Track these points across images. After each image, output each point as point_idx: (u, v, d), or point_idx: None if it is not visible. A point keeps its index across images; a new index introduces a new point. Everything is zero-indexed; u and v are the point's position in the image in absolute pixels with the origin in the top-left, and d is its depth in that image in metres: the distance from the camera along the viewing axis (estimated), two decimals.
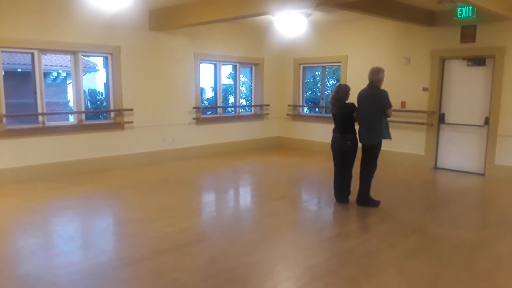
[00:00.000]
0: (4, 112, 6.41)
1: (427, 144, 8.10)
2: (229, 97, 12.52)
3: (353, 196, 5.62)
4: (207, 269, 3.68)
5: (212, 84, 10.12)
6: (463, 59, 7.62)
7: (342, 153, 5.50)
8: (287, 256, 4.11)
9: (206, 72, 9.59)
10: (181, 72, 8.50)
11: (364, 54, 8.77)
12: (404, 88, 8.15)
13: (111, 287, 3.38)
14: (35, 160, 6.74)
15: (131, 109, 7.77)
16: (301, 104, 10.34)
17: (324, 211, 5.68)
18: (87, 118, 7.61)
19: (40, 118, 6.86)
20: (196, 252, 4.07)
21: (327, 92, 10.31)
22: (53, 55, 12.32)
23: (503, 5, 6.10)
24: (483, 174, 7.47)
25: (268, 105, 10.32)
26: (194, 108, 8.78)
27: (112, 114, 7.73)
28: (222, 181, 7.25)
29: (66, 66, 13.22)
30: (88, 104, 13.04)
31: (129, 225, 4.86)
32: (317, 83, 13.00)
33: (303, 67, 10.21)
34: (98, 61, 13.58)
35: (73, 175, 6.99)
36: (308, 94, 12.12)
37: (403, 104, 8.21)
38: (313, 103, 12.25)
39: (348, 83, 6.07)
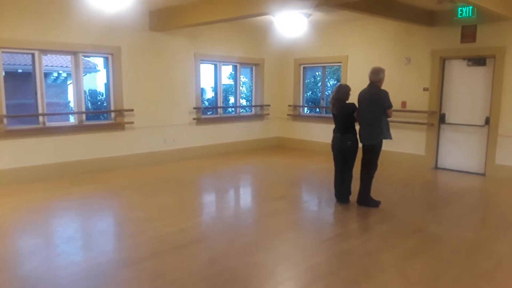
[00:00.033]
0: (4, 112, 6.42)
1: (427, 144, 8.10)
2: (230, 97, 12.54)
3: (353, 196, 5.61)
4: (207, 269, 3.68)
5: (213, 85, 10.13)
6: (464, 59, 7.62)
7: (342, 153, 5.49)
8: (288, 257, 4.11)
9: (206, 73, 9.59)
10: (181, 72, 8.51)
11: (365, 54, 8.78)
12: (404, 88, 8.14)
13: None
14: (36, 161, 6.74)
15: (132, 110, 7.78)
16: (301, 104, 10.34)
17: (325, 211, 5.68)
18: (87, 118, 7.62)
19: (40, 118, 6.87)
20: (196, 252, 4.07)
21: (328, 92, 10.31)
22: (53, 55, 12.35)
23: (503, 5, 6.09)
24: (483, 174, 7.47)
25: (269, 105, 10.33)
26: (194, 108, 8.78)
27: (113, 114, 7.74)
28: (222, 181, 7.25)
29: (66, 66, 13.25)
30: (89, 104, 13.07)
31: (130, 226, 4.87)
32: (318, 83, 13.01)
33: (304, 67, 10.21)
34: (99, 61, 13.59)
35: (74, 176, 7.00)
36: (308, 94, 12.13)
37: (403, 104, 8.21)
38: (313, 103, 12.26)
39: (348, 83, 6.06)
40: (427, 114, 7.97)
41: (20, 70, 12.40)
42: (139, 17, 7.66)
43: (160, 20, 7.70)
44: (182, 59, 8.48)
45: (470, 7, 6.63)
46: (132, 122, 7.79)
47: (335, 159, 5.62)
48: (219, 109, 9.62)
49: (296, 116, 10.29)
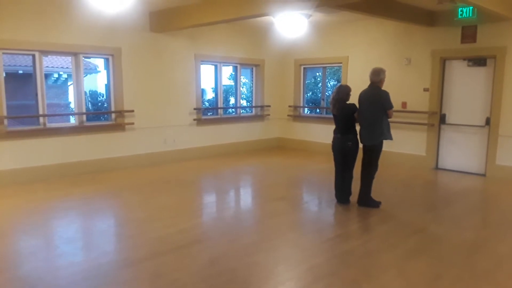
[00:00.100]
0: (5, 113, 6.43)
1: (428, 144, 8.10)
2: (230, 98, 12.54)
3: (354, 196, 5.61)
4: (208, 270, 3.68)
5: (213, 85, 10.13)
6: (464, 59, 7.61)
7: (343, 153, 5.49)
8: (288, 257, 4.12)
9: (206, 73, 9.60)
10: (181, 73, 8.51)
11: (365, 54, 8.78)
12: (404, 89, 8.14)
13: None
14: (36, 162, 6.75)
15: (132, 111, 7.78)
16: (301, 105, 10.34)
17: (325, 212, 5.68)
18: (88, 119, 7.63)
19: (41, 119, 6.88)
20: (196, 252, 4.07)
21: (328, 93, 10.32)
22: (54, 56, 12.37)
23: (504, 5, 6.09)
24: (484, 175, 7.46)
25: (269, 106, 10.33)
26: (195, 109, 8.79)
27: (113, 115, 7.74)
28: (222, 182, 7.25)
29: (67, 67, 13.25)
30: (89, 105, 13.07)
31: (130, 226, 4.87)
32: (318, 84, 13.02)
33: (304, 68, 10.21)
34: (99, 62, 13.60)
35: (74, 177, 7.00)
36: (308, 95, 12.13)
37: (404, 104, 8.21)
38: (314, 104, 12.27)
39: (348, 84, 6.08)
40: (428, 115, 7.97)
41: (20, 71, 12.41)
42: (140, 18, 7.67)
43: (161, 21, 7.70)
44: (182, 60, 8.48)
45: (471, 8, 6.63)
46: (133, 123, 7.80)
47: (335, 159, 5.62)
48: (219, 110, 9.62)
49: (297, 117, 10.29)
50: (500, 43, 7.08)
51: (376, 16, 7.09)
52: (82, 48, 7.15)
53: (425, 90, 7.98)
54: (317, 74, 12.76)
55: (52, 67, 13.37)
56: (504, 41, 7.04)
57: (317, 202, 6.16)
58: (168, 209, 5.43)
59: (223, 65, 9.54)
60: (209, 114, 9.77)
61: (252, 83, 10.47)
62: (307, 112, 10.63)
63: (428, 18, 7.60)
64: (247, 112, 10.57)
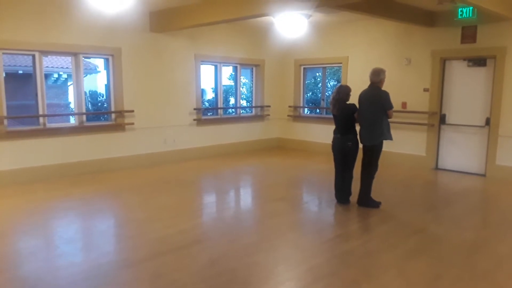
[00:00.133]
0: (5, 113, 6.43)
1: (428, 144, 8.10)
2: (230, 98, 12.54)
3: (354, 197, 5.61)
4: (208, 270, 3.68)
5: (213, 85, 10.13)
6: (464, 59, 7.61)
7: (342, 154, 5.49)
8: (288, 257, 4.12)
9: (206, 73, 9.60)
10: (181, 73, 8.51)
11: (365, 55, 8.78)
12: (404, 89, 8.14)
13: None
14: (36, 162, 6.75)
15: (132, 111, 7.78)
16: (301, 105, 10.34)
17: (325, 212, 5.68)
18: (88, 119, 7.63)
19: (41, 119, 6.87)
20: (196, 253, 4.07)
21: (328, 93, 10.31)
22: (54, 56, 12.36)
23: (504, 5, 6.09)
24: (484, 175, 7.46)
25: (269, 106, 10.33)
26: (194, 109, 8.79)
27: (113, 115, 7.74)
28: (222, 182, 7.25)
29: (67, 67, 13.25)
30: (89, 105, 13.07)
31: (130, 226, 4.87)
32: (318, 84, 13.01)
33: (304, 68, 10.21)
34: (99, 62, 13.60)
35: (74, 177, 7.00)
36: (308, 95, 12.13)
37: (404, 105, 8.21)
38: (313, 104, 12.26)
39: (348, 84, 6.07)
40: (428, 115, 7.97)
41: (20, 71, 12.41)
42: (140, 18, 7.67)
43: (161, 21, 7.70)
44: (182, 60, 8.48)
45: (471, 8, 6.62)
46: (133, 123, 7.80)
47: (335, 160, 5.62)
48: (219, 110, 9.62)
49: (297, 117, 10.29)
50: (500, 43, 7.08)
51: (376, 16, 7.08)
52: (82, 48, 7.15)
53: (425, 90, 7.98)
54: (317, 74, 12.75)
55: (52, 67, 13.37)
56: (504, 41, 7.04)
57: (317, 202, 6.16)
58: (168, 210, 5.43)
59: (223, 65, 9.54)
60: (209, 114, 9.77)
61: (252, 83, 10.47)
62: (307, 112, 10.63)
63: (428, 19, 7.60)
64: (247, 112, 10.57)
